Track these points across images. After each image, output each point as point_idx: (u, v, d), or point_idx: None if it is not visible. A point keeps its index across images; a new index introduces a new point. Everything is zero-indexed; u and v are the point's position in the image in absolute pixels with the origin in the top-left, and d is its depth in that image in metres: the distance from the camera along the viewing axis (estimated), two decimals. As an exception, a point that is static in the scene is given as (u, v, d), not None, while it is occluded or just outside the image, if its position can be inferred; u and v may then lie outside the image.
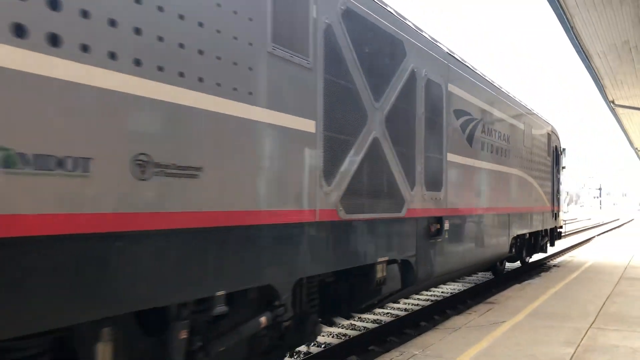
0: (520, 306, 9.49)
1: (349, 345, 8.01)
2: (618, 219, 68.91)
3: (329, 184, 5.77)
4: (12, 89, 2.98)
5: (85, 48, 3.32)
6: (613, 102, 19.50)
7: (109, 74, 3.47)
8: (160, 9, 3.82)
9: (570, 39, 12.69)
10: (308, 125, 5.49)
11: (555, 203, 17.05)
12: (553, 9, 10.91)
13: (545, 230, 16.04)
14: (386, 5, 7.01)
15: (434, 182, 8.35)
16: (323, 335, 9.05)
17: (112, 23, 3.48)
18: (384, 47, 7.00)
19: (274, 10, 4.94)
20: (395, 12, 7.31)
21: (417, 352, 6.61)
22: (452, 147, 9.10)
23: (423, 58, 8.00)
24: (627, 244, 24.50)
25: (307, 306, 6.00)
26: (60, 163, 3.18)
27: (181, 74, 3.99)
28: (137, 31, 3.65)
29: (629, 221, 60.89)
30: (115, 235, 3.50)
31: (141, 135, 3.70)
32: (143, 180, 3.68)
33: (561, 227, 18.24)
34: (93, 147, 3.37)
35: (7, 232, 2.93)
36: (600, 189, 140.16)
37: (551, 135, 16.36)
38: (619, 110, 21.52)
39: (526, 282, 12.69)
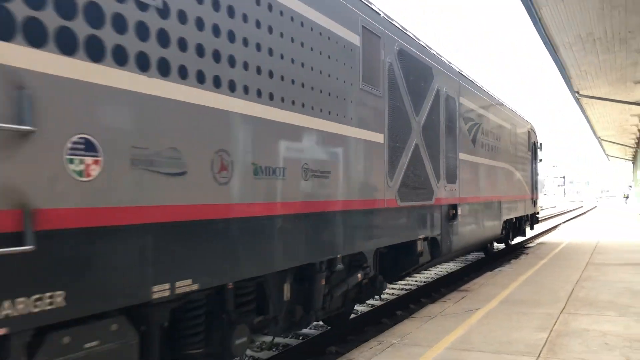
0: (493, 293, 9.68)
1: (327, 336, 8.06)
2: (582, 207, 70.71)
3: (391, 180, 7.96)
4: (259, 130, 5.20)
5: (271, 96, 5.41)
6: (578, 92, 19.94)
7: (283, 112, 5.57)
8: (296, 62, 5.81)
9: (537, 30, 12.91)
10: (379, 137, 7.63)
11: (534, 192, 19.45)
12: (521, 1, 11.09)
13: (527, 215, 18.40)
14: (419, 39, 9.33)
15: (451, 176, 10.57)
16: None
17: (270, 74, 5.38)
18: (420, 74, 9.12)
19: (363, 59, 7.17)
20: (426, 45, 9.63)
21: (395, 341, 6.69)
22: (463, 147, 11.29)
23: (443, 78, 10.19)
24: (592, 230, 25.18)
25: (378, 269, 8.21)
26: (275, 171, 5.41)
27: (320, 110, 6.23)
28: (282, 78, 5.58)
29: (592, 208, 62.54)
30: (298, 215, 5.76)
31: (304, 152, 5.92)
32: (306, 180, 5.92)
33: (538, 212, 20.81)
34: (286, 161, 5.59)
35: (251, 213, 5.06)
36: (564, 177, 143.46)
37: (530, 133, 18.72)
38: (583, 100, 22.02)
39: (497, 269, 12.94)
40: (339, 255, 6.64)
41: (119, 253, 3.72)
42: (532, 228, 19.80)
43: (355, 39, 7.08)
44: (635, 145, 38.66)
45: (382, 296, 10.72)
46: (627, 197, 78.00)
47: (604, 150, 49.98)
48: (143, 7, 3.90)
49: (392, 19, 8.28)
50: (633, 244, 18.24)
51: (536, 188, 19.90)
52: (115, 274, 3.69)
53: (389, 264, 8.92)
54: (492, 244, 16.85)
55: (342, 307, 7.64)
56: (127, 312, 3.88)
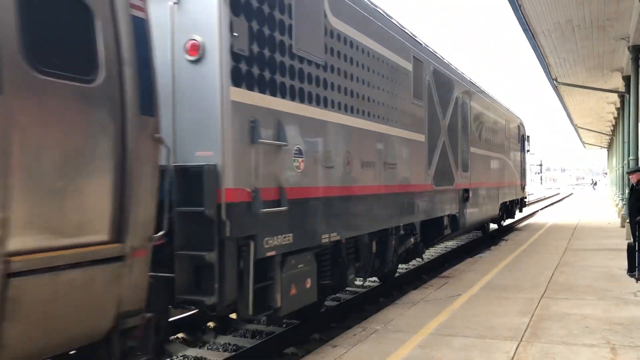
0: (474, 279, 9.75)
1: (311, 323, 8.02)
2: (558, 194, 71.69)
3: (429, 169, 10.50)
4: (362, 137, 7.85)
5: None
6: (556, 79, 20.11)
7: (372, 124, 8.04)
8: (376, 87, 8.18)
9: (517, 18, 12.94)
10: (422, 138, 10.18)
11: (523, 179, 22.29)
12: (502, -12, 11.09)
13: (517, 199, 21.09)
14: (444, 59, 12.01)
15: (465, 166, 13.08)
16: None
17: (363, 97, 7.80)
18: (446, 86, 11.68)
19: (413, 80, 9.70)
20: (450, 63, 12.31)
21: (378, 327, 6.70)
22: (472, 142, 13.87)
23: (460, 88, 12.78)
24: (569, 217, 25.54)
25: (419, 237, 10.51)
26: (370, 165, 7.97)
27: (390, 120, 8.76)
28: (369, 99, 8.04)
29: (568, 195, 63.48)
30: (380, 195, 8.22)
31: (384, 151, 8.44)
32: (385, 170, 8.43)
33: (526, 197, 23.78)
34: (376, 157, 8.18)
35: (360, 192, 7.62)
36: (540, 165, 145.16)
37: (520, 127, 21.46)
38: (561, 88, 22.21)
39: (478, 255, 13.05)
40: (401, 224, 9.35)
41: (310, 215, 6.45)
42: (520, 210, 22.44)
43: (409, 66, 9.55)
44: (611, 133, 39.24)
45: (365, 283, 10.78)
46: (595, 184, 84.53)
47: (580, 138, 50.68)
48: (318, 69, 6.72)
49: (429, 47, 11.01)
50: (609, 228, 18.54)
51: (524, 175, 22.62)
52: (309, 226, 6.45)
53: (425, 235, 11.08)
54: (488, 224, 18.75)
55: (397, 264, 10.30)
56: (311, 249, 6.59)
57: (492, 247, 14.66)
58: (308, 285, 6.47)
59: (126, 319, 3.88)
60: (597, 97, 24.71)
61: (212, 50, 5.11)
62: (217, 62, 5.09)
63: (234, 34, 5.18)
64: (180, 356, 7.05)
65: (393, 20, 9.16)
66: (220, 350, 7.28)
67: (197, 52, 5.15)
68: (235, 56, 5.21)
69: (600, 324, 6.65)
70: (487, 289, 8.86)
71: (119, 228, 3.82)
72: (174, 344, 7.31)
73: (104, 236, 3.72)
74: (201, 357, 7.00)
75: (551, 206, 39.97)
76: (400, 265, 13.60)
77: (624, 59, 16.61)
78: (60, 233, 3.41)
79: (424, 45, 10.54)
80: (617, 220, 21.42)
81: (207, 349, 7.35)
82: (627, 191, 18.68)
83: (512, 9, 12.39)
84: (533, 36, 14.59)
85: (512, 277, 9.91)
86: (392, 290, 10.69)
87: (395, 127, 8.88)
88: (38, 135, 3.24)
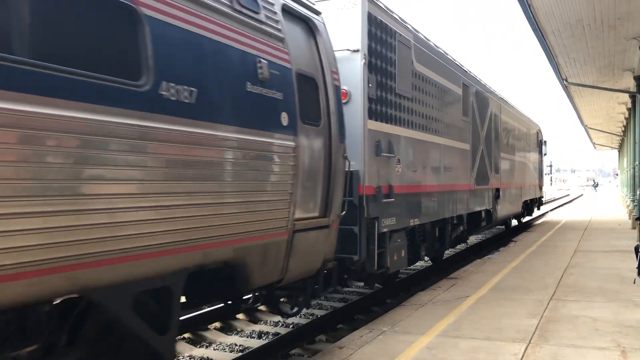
0: (482, 281, 9.68)
1: (317, 324, 8.00)
2: (568, 195, 71.21)
3: (472, 172, 12.94)
4: (430, 149, 10.41)
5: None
6: (566, 80, 19.93)
7: (437, 138, 10.70)
8: (439, 109, 10.75)
9: (527, 17, 12.82)
10: (467, 146, 12.66)
11: (541, 179, 25.09)
12: (511, -13, 11.00)
13: (536, 198, 23.70)
14: (482, 80, 14.65)
15: (497, 169, 15.59)
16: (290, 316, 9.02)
17: (432, 118, 10.57)
18: (483, 103, 14.24)
19: (462, 101, 12.20)
20: (486, 84, 15.00)
21: (385, 329, 6.65)
22: (502, 148, 16.43)
23: (493, 103, 15.46)
24: (579, 218, 25.33)
25: (465, 227, 12.86)
26: (438, 169, 10.70)
27: (447, 134, 11.30)
28: (435, 119, 10.66)
29: (579, 196, 63.02)
30: (442, 192, 10.77)
31: (445, 158, 11.13)
32: (444, 173, 11.03)
33: (543, 196, 26.43)
34: (441, 163, 10.90)
35: (432, 189, 10.40)
36: (550, 165, 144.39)
37: (538, 132, 24.43)
38: (571, 88, 22.03)
39: (486, 257, 12.96)
40: (454, 215, 11.68)
41: (404, 205, 8.85)
42: (538, 208, 25.47)
43: (459, 91, 12.13)
44: (622, 134, 38.91)
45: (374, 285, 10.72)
46: (596, 185, 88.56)
47: (591, 139, 50.28)
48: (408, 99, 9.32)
49: (472, 72, 13.56)
50: (619, 230, 18.37)
51: (542, 177, 25.47)
52: (404, 213, 8.85)
53: (468, 225, 13.20)
54: (511, 220, 21.10)
55: (449, 247, 12.66)
56: (404, 230, 8.99)
57: (501, 249, 14.55)
58: (402, 255, 9.01)
59: (327, 263, 6.37)
60: (607, 97, 24.47)
61: (356, 96, 7.69)
62: (360, 104, 7.68)
63: (369, 85, 7.79)
64: (187, 356, 7.04)
65: (449, 56, 11.88)
66: (227, 350, 7.27)
67: (346, 97, 7.59)
68: (369, 99, 7.81)
69: (610, 326, 6.57)
70: (495, 291, 8.78)
71: (326, 209, 6.24)
72: (180, 344, 7.30)
73: (319, 213, 6.16)
74: (207, 357, 6.99)
75: (561, 207, 39.69)
76: (408, 267, 13.61)
77: (635, 58, 16.44)
78: (307, 210, 5.91)
79: (469, 72, 13.32)
80: (628, 222, 21.21)
81: (214, 349, 7.34)
82: (638, 192, 18.57)
83: (522, 8, 12.28)
84: (543, 36, 14.45)
85: (520, 278, 9.83)
86: (399, 291, 10.64)
87: (452, 139, 11.53)
88: (305, 154, 5.83)
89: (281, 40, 5.54)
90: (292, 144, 5.50)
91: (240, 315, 8.71)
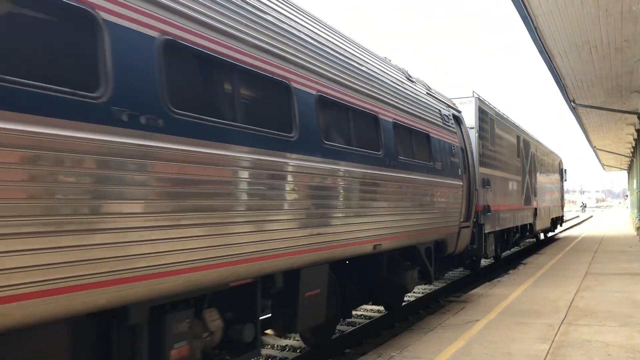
0: (492, 304, 9.56)
1: (325, 349, 7.90)
2: (578, 216, 70.64)
3: (522, 196, 18.80)
4: (503, 182, 16.56)
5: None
6: (574, 101, 19.92)
7: (508, 175, 17.15)
8: (506, 157, 17.08)
9: (533, 39, 12.87)
10: (519, 178, 18.58)
11: (562, 201, 31.23)
12: (517, 10, 11.05)
13: (560, 216, 30.13)
14: (525, 129, 20.66)
15: (535, 193, 21.04)
16: (297, 340, 8.93)
17: (503, 162, 17.03)
18: (526, 147, 19.75)
19: (517, 148, 18.46)
20: (528, 131, 20.69)
21: (394, 354, 6.56)
22: (537, 178, 21.95)
23: (533, 145, 21.17)
24: (588, 240, 25.09)
25: (520, 235, 19.47)
26: (511, 194, 17.35)
27: (510, 171, 17.71)
28: (506, 163, 17.16)
29: (588, 218, 62.54)
30: (512, 210, 17.45)
31: (514, 188, 17.89)
32: (511, 196, 17.59)
33: (564, 215, 32.42)
34: (512, 191, 17.73)
35: (511, 207, 17.31)
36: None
37: (560, 163, 30.20)
38: (579, 110, 22.01)
39: (496, 280, 12.83)
40: (514, 225, 17.25)
41: (494, 217, 14.43)
42: (561, 225, 32.39)
43: (514, 141, 17.75)
44: (631, 155, 38.72)
45: (380, 308, 10.63)
46: (584, 207, 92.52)
47: (600, 160, 50.06)
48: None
49: (521, 126, 19.45)
50: (631, 252, 18.16)
51: (563, 199, 31.80)
52: (493, 222, 14.55)
53: (518, 235, 19.26)
54: (540, 234, 25.69)
55: (509, 249, 18.66)
56: (494, 233, 15.07)
57: (511, 271, 14.41)
58: (492, 248, 14.99)
59: (467, 246, 11.61)
60: (615, 118, 24.42)
61: (474, 151, 12.71)
62: (476, 158, 12.88)
63: (479, 146, 13.25)
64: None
65: (510, 119, 17.69)
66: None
67: (461, 150, 11.34)
68: (479, 154, 13.21)
69: (622, 351, 6.44)
70: (505, 314, 8.66)
71: (467, 217, 11.16)
72: None
73: (464, 219, 10.87)
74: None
75: (570, 229, 39.37)
76: (415, 290, 13.55)
77: (643, 80, 16.45)
78: (462, 218, 10.84)
79: (520, 127, 19.20)
80: (639, 244, 20.97)
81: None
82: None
83: (528, 30, 12.33)
84: (549, 58, 14.50)
85: (531, 301, 9.70)
86: (408, 315, 10.52)
87: (512, 174, 17.31)
88: (464, 189, 11.02)
89: (455, 133, 10.82)
90: (461, 183, 10.63)
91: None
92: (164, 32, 4.08)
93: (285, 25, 5.80)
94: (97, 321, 4.02)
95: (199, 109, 4.42)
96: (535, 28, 12.04)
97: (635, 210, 33.18)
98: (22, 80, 3.05)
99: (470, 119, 13.10)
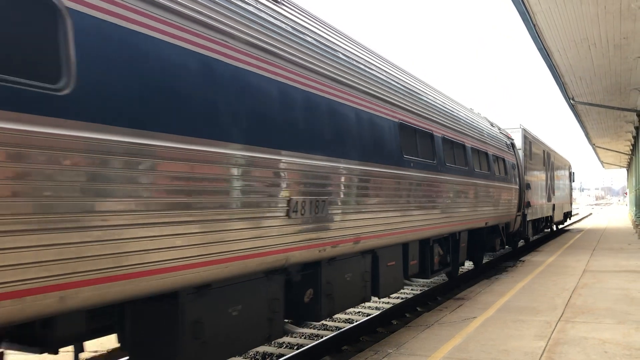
0: (490, 301, 9.56)
1: (322, 346, 7.91)
2: (577, 214, 70.65)
3: (545, 194, 23.93)
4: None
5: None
6: (573, 98, 19.92)
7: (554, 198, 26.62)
8: (558, 178, 29.06)
9: (532, 37, 12.85)
10: (544, 181, 23.75)
11: (571, 198, 36.71)
12: (516, 7, 11.02)
13: (569, 210, 35.59)
14: (547, 142, 26.88)
15: (553, 192, 26.36)
16: (295, 337, 8.93)
17: (554, 185, 27.59)
18: (548, 156, 25.30)
19: (542, 159, 23.67)
20: (551, 147, 27.60)
21: (391, 351, 6.56)
22: (554, 179, 27.04)
23: (551, 154, 26.53)
24: (587, 237, 25.10)
25: (545, 223, 25.36)
26: (548, 198, 25.61)
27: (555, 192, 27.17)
28: (556, 187, 27.89)
29: (587, 215, 62.56)
30: (554, 205, 27.28)
31: (554, 193, 27.31)
32: (549, 201, 26.18)
33: (572, 210, 37.74)
34: (554, 198, 27.21)
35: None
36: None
37: (570, 166, 35.59)
38: (579, 107, 22.01)
39: (494, 277, 12.82)
40: (542, 216, 23.11)
41: (534, 209, 20.64)
42: (570, 218, 37.81)
43: (541, 153, 23.20)
44: (630, 152, 38.72)
45: (377, 305, 10.62)
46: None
47: (599, 158, 50.07)
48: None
49: (546, 142, 25.26)
50: (629, 249, 18.16)
51: (571, 196, 37.45)
52: (533, 212, 20.56)
53: (544, 224, 24.65)
54: (554, 225, 30.60)
55: (539, 232, 24.26)
56: (535, 221, 22.40)
57: (509, 269, 14.41)
58: (530, 231, 20.62)
59: (518, 228, 17.94)
60: (615, 115, 24.42)
61: (521, 165, 18.01)
62: (522, 168, 18.03)
63: (524, 160, 18.66)
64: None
65: (539, 137, 22.97)
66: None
67: (515, 165, 16.85)
68: (524, 166, 18.38)
69: (619, 348, 6.45)
70: (503, 311, 8.67)
71: (519, 208, 16.90)
72: None
73: (517, 210, 16.87)
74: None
75: (570, 227, 39.38)
76: (413, 287, 13.54)
77: (642, 77, 16.44)
78: (516, 208, 16.81)
79: (544, 142, 24.74)
80: (638, 241, 20.99)
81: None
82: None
83: (527, 28, 12.32)
84: (548, 55, 14.48)
85: (528, 299, 9.71)
86: (406, 312, 10.52)
87: (541, 179, 22.67)
88: (518, 190, 17.24)
89: (512, 154, 16.41)
90: (517, 187, 16.41)
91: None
92: None
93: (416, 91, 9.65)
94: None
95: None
96: (534, 25, 12.02)
97: (634, 208, 33.20)
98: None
99: (517, 142, 19.04)
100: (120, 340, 4.72)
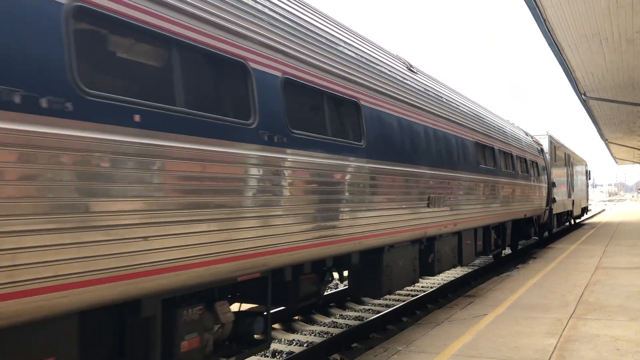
0: (500, 298, 9.51)
1: (331, 343, 7.91)
2: (590, 210, 70.07)
3: (567, 191, 26.72)
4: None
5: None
6: (584, 94, 19.75)
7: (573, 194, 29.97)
8: (577, 179, 32.69)
9: (542, 32, 12.76)
10: (565, 179, 26.39)
11: (587, 195, 40.23)
12: (526, 2, 10.95)
13: (586, 206, 39.36)
14: (568, 146, 30.39)
15: (573, 189, 28.74)
16: (304, 334, 8.94)
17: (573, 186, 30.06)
18: (569, 158, 28.08)
19: (564, 161, 26.61)
20: (568, 146, 29.95)
21: (401, 348, 6.55)
22: (573, 177, 29.41)
23: (571, 156, 29.20)
24: (600, 233, 24.90)
25: (564, 219, 27.75)
26: (567, 194, 27.69)
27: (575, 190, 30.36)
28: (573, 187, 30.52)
29: (600, 212, 62.06)
30: (562, 199, 26.37)
31: (574, 189, 30.49)
32: (570, 198, 28.67)
33: (587, 205, 41.35)
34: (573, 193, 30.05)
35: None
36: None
37: (586, 165, 38.01)
38: (590, 103, 21.82)
39: (505, 274, 12.76)
40: (564, 210, 25.76)
41: (558, 204, 23.63)
42: (586, 212, 41.48)
43: (563, 156, 26.31)
44: (643, 148, 38.35)
45: (387, 302, 10.62)
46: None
47: (612, 153, 49.64)
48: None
49: (568, 147, 29.11)
50: (643, 247, 18.00)
51: (588, 193, 40.58)
52: (559, 207, 23.58)
53: (565, 217, 27.21)
54: (573, 218, 32.10)
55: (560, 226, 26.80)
56: (558, 214, 24.73)
57: (520, 265, 14.33)
58: (555, 223, 23.25)
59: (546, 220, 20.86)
60: (627, 111, 24.20)
61: (548, 166, 21.02)
62: (549, 169, 21.10)
63: (550, 162, 21.48)
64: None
65: (562, 142, 26.66)
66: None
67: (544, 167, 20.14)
68: (550, 167, 21.23)
69: (632, 346, 6.39)
70: (513, 309, 8.62)
71: (547, 203, 19.88)
72: None
73: (546, 204, 19.89)
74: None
75: (584, 222, 39.10)
76: (424, 284, 13.53)
77: (655, 72, 16.27)
78: (545, 203, 19.88)
79: (566, 145, 27.50)
80: (651, 238, 20.79)
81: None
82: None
83: (537, 23, 12.23)
84: (559, 50, 14.37)
85: (540, 296, 9.64)
86: (416, 309, 10.50)
87: (564, 177, 25.41)
88: (547, 187, 20.64)
89: (542, 158, 19.53)
90: (546, 185, 19.52)
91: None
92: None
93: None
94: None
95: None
96: (545, 20, 11.93)
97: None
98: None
99: (545, 146, 21.87)
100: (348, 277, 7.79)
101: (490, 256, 17.71)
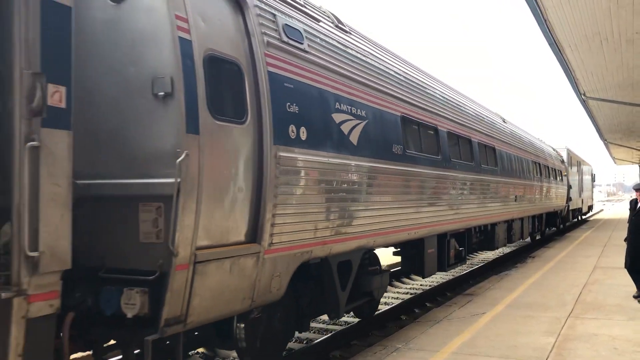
0: (499, 297, 9.55)
1: (331, 340, 7.94)
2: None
3: (578, 191, 33.04)
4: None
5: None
6: (584, 94, 19.74)
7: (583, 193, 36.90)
8: (583, 181, 38.35)
9: (543, 32, 12.75)
10: (577, 182, 32.94)
11: (592, 194, 46.53)
12: (527, 1, 10.95)
13: (592, 204, 45.80)
14: (579, 154, 37.91)
15: (582, 190, 35.40)
16: (304, 332, 8.97)
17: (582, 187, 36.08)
18: (579, 164, 34.59)
19: (575, 167, 32.59)
20: (579, 154, 37.37)
21: (399, 346, 6.58)
22: (581, 180, 35.06)
23: (581, 163, 36.18)
24: (598, 233, 24.94)
25: (576, 214, 34.52)
26: (577, 194, 33.66)
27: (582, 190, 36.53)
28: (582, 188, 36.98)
29: (599, 211, 62.12)
30: (575, 197, 32.59)
31: (581, 188, 36.37)
32: (580, 197, 35.78)
33: (593, 203, 48.28)
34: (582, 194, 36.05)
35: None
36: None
37: (592, 169, 43.33)
38: (590, 103, 21.81)
39: (503, 273, 12.80)
40: (576, 207, 32.42)
41: (571, 202, 29.63)
42: (591, 210, 46.94)
43: (576, 164, 33.11)
44: (643, 148, 38.39)
45: (386, 300, 10.66)
46: None
47: (611, 154, 49.68)
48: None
49: (579, 154, 36.16)
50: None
51: (593, 193, 47.03)
52: (571, 204, 29.45)
53: (577, 212, 34.21)
54: (582, 213, 37.26)
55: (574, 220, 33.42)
56: (573, 210, 31.50)
57: (518, 264, 14.37)
58: (572, 218, 31.17)
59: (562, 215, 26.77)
60: (627, 111, 24.18)
61: (566, 171, 28.20)
62: (567, 175, 28.10)
63: (567, 169, 27.79)
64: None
65: (575, 151, 34.03)
66: (239, 366, 7.23)
67: (565, 174, 27.65)
68: (567, 173, 27.58)
69: (630, 345, 6.43)
70: (512, 307, 8.66)
71: (566, 200, 26.47)
72: (193, 358, 7.30)
73: (564, 202, 26.16)
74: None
75: (587, 218, 39.18)
76: (422, 282, 13.56)
77: (655, 72, 16.27)
78: (561, 201, 25.12)
79: (578, 154, 34.34)
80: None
81: (226, 364, 7.32)
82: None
83: (538, 23, 12.22)
84: (559, 50, 14.36)
85: (538, 295, 9.68)
86: (415, 308, 10.54)
87: (576, 180, 31.53)
88: (564, 188, 27.29)
89: (563, 166, 26.06)
90: (565, 187, 25.99)
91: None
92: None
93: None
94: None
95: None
96: (545, 20, 11.93)
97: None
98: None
99: (564, 157, 27.02)
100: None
101: (528, 239, 21.81)
